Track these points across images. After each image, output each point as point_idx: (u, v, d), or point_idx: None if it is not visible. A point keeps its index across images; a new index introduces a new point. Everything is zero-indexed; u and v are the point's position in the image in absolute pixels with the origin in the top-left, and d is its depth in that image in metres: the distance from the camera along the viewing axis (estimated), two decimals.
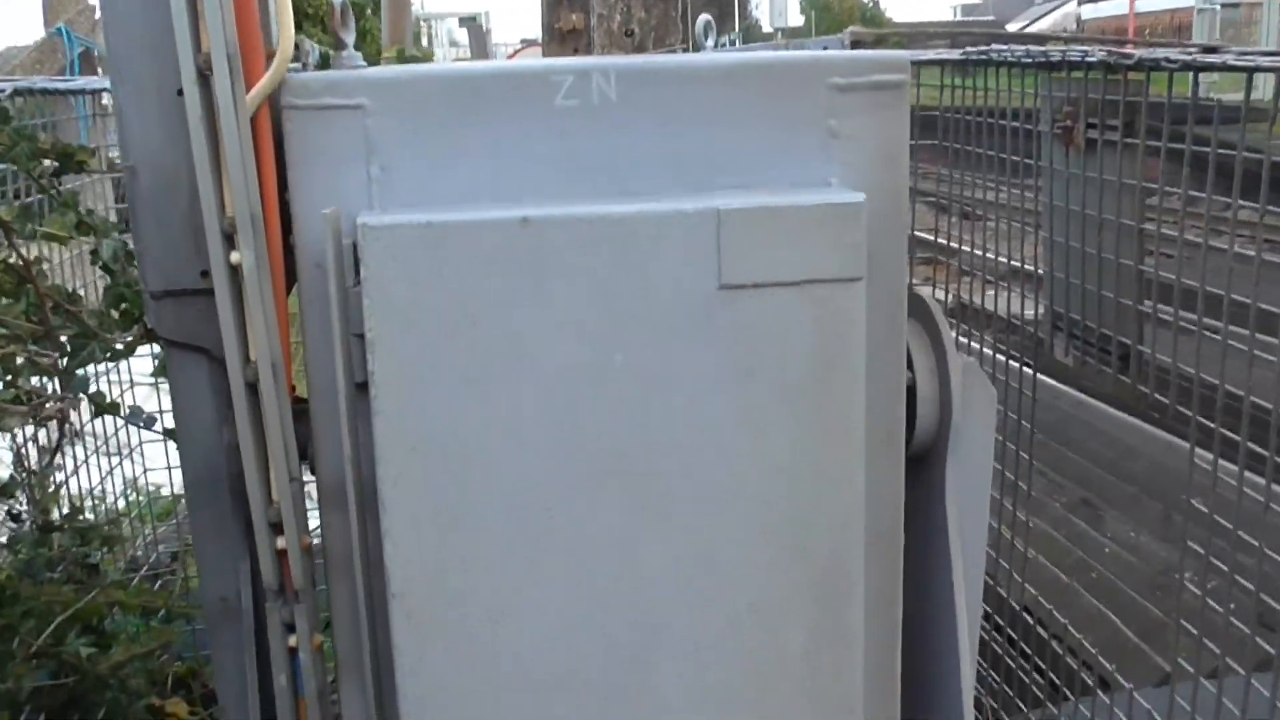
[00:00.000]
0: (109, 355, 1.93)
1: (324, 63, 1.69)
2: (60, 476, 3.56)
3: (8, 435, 2.39)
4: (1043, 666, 3.21)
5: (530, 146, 1.56)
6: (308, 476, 1.69)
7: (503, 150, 1.56)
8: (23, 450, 2.47)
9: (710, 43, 1.96)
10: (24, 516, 2.19)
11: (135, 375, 3.76)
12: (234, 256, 1.52)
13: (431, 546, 1.55)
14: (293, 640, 1.68)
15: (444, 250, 1.47)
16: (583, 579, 1.58)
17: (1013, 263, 3.34)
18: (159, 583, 3.90)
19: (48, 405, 1.77)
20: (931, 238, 3.80)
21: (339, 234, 1.51)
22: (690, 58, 1.61)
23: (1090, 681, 3.06)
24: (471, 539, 1.55)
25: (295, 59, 1.60)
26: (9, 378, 1.84)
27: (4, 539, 2.52)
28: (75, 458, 3.73)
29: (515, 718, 1.62)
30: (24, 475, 2.32)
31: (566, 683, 1.61)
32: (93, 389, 2.07)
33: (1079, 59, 2.73)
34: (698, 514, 1.57)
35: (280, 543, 1.63)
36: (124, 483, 4.15)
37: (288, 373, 1.63)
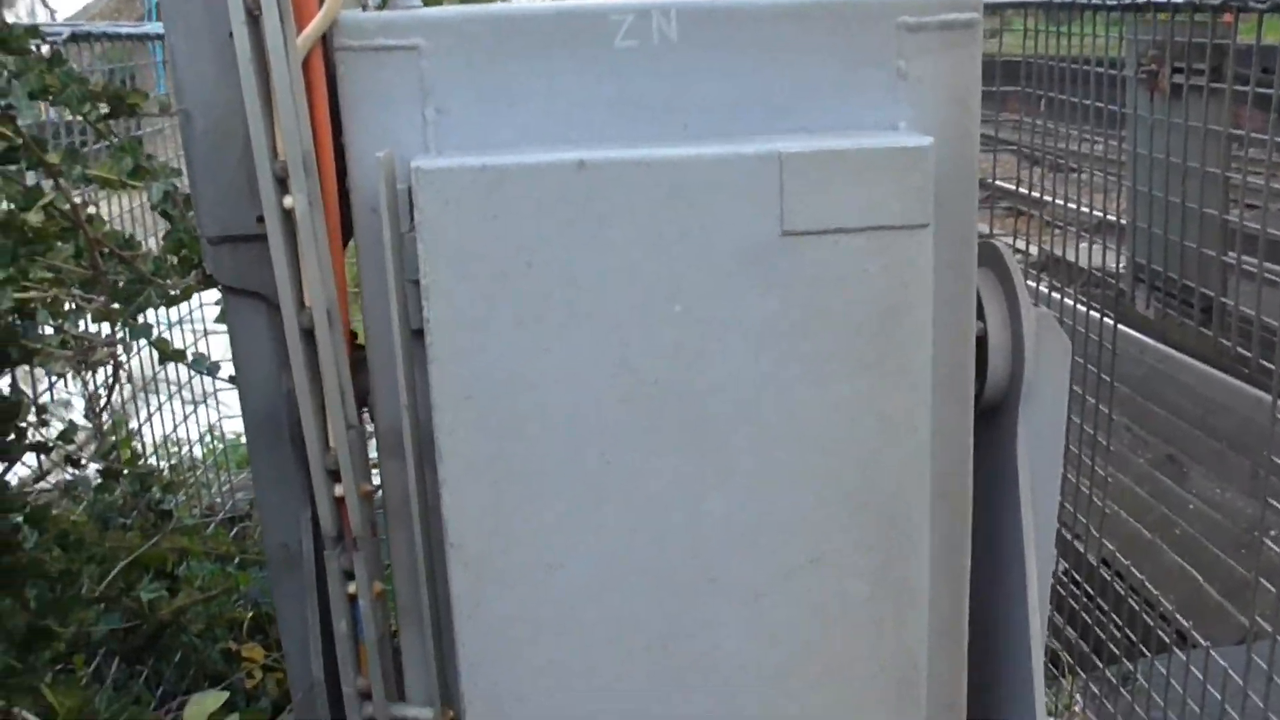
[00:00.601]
0: (165, 301, 1.93)
1: (386, 4, 1.67)
2: (134, 424, 3.60)
3: (79, 383, 2.41)
4: (1120, 622, 3.15)
5: (588, 88, 1.53)
6: (370, 424, 1.68)
7: (560, 92, 1.53)
8: (95, 397, 2.49)
9: None
10: (84, 462, 2.21)
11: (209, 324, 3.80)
12: (287, 201, 1.51)
13: (489, 495, 1.54)
14: (352, 587, 1.67)
15: (499, 194, 1.45)
16: (640, 528, 1.55)
17: (1096, 213, 3.27)
18: (237, 529, 3.94)
19: (98, 350, 1.77)
20: (1015, 188, 3.74)
21: (393, 178, 1.49)
22: None
23: (1167, 638, 3.00)
24: (528, 487, 1.53)
25: None
26: (57, 322, 1.85)
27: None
28: (149, 405, 3.77)
29: (573, 665, 1.60)
30: (94, 421, 2.34)
31: (623, 632, 1.59)
32: (159, 335, 2.07)
33: (1164, 0, 2.65)
34: (758, 463, 1.54)
35: (338, 490, 1.62)
36: (201, 429, 4.20)
37: (345, 319, 1.61)
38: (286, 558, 1.79)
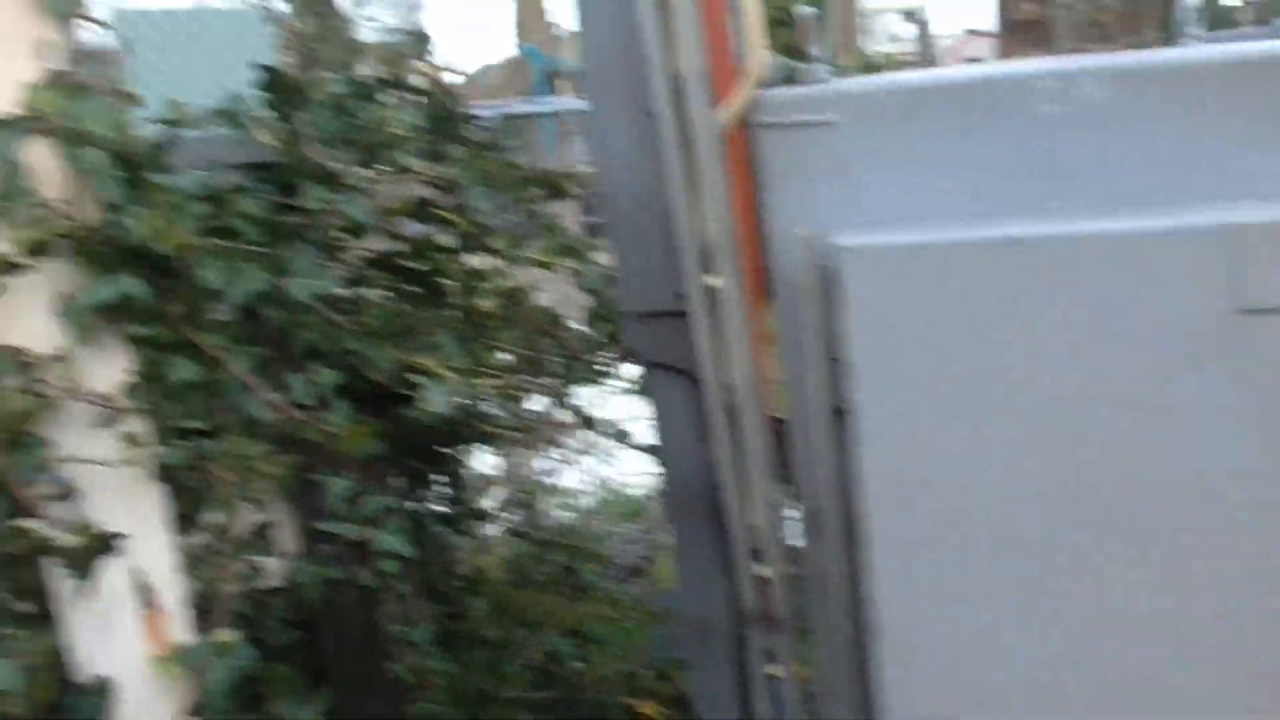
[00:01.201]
0: (593, 377, 1.98)
1: (783, 74, 1.65)
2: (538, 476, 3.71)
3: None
4: None
5: (1011, 157, 1.47)
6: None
7: (980, 162, 1.48)
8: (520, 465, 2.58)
9: (1196, 31, 1.79)
10: (520, 531, 2.29)
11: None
12: (710, 279, 1.51)
13: (919, 581, 1.49)
14: (773, 668, 1.66)
15: (927, 272, 1.40)
16: (1077, 625, 1.47)
17: None
18: (630, 581, 4.00)
19: (544, 430, 1.85)
20: None
21: (813, 255, 1.47)
22: (1186, 54, 1.46)
23: None
24: (962, 576, 1.47)
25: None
26: (510, 406, 1.92)
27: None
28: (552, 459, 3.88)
29: None
30: (521, 491, 2.43)
31: None
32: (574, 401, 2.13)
33: None
34: (1211, 566, 1.42)
35: (761, 570, 1.61)
36: (595, 482, 4.29)
37: (767, 395, 1.60)
38: (704, 630, 1.78)
